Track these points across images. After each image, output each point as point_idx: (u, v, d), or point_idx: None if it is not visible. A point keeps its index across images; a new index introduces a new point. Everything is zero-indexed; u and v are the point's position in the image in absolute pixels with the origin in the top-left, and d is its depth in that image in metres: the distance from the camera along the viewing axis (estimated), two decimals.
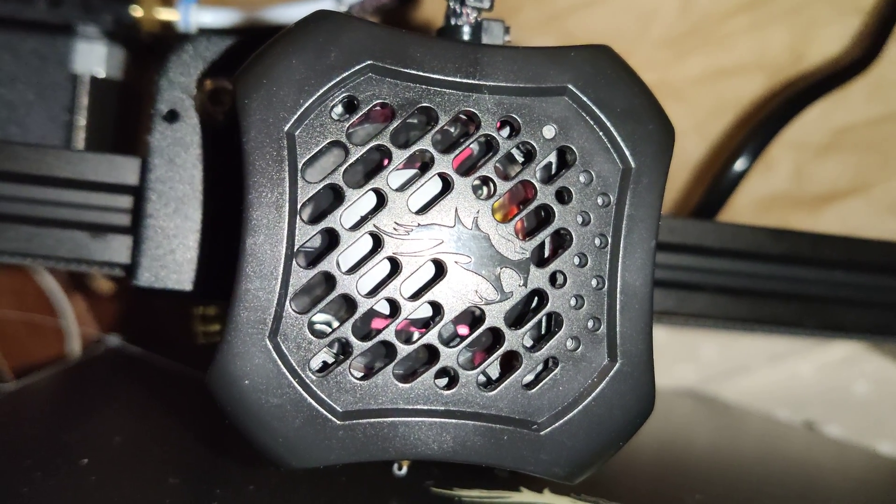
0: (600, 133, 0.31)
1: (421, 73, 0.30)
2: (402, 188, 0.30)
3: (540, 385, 0.31)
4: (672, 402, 0.64)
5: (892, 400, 0.64)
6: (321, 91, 0.30)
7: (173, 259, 0.38)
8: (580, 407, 0.31)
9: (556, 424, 0.31)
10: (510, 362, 0.32)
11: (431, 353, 0.31)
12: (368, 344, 0.30)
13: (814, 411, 0.65)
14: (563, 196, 0.31)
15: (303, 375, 0.30)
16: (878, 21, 0.57)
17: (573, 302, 0.31)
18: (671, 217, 0.44)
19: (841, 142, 0.60)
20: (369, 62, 0.30)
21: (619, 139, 0.31)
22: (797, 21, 0.58)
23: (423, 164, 0.31)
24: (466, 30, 0.34)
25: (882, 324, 0.46)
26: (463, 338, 0.31)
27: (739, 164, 0.54)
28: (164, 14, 0.46)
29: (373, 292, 0.30)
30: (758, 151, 0.54)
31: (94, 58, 0.46)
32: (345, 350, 0.31)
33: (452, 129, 0.32)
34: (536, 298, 0.32)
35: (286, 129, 0.29)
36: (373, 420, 0.30)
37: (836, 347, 0.64)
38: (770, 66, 0.59)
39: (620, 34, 0.59)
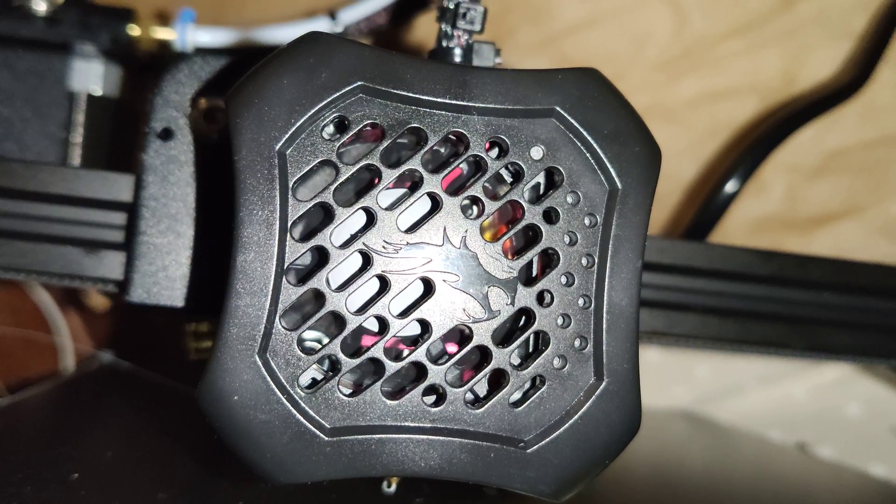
0: (587, 154, 0.32)
1: (411, 94, 0.31)
2: (391, 207, 0.31)
3: (527, 403, 0.31)
4: (665, 423, 0.64)
5: (883, 422, 0.64)
6: (312, 111, 0.30)
7: (166, 275, 0.39)
8: (567, 425, 0.31)
9: (543, 442, 0.31)
10: (498, 380, 0.32)
11: (419, 371, 0.31)
12: (357, 361, 0.31)
13: (806, 433, 0.65)
14: (550, 216, 0.32)
15: (291, 392, 0.30)
16: (868, 45, 0.57)
17: (560, 321, 0.32)
18: (662, 238, 0.44)
19: (833, 164, 0.61)
20: (360, 83, 0.30)
21: (605, 161, 0.32)
22: (790, 45, 0.59)
23: (413, 184, 0.32)
24: (458, 52, 0.35)
25: (870, 346, 0.46)
26: (451, 355, 0.31)
27: (731, 186, 0.55)
28: (161, 33, 0.47)
29: (362, 310, 0.31)
30: (749, 173, 0.55)
31: (90, 76, 0.46)
32: (333, 367, 0.31)
33: (442, 150, 0.33)
34: (524, 317, 0.32)
35: (277, 148, 0.30)
36: (360, 437, 0.30)
37: (829, 369, 0.65)
38: (763, 88, 0.60)
39: (615, 56, 0.60)
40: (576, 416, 0.31)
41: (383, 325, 0.31)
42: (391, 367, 0.31)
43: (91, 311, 0.63)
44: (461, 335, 0.32)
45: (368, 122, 0.31)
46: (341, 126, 0.31)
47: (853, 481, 0.57)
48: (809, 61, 0.59)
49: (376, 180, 0.31)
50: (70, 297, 0.63)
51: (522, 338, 0.32)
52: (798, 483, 0.55)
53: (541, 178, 0.33)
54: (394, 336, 0.31)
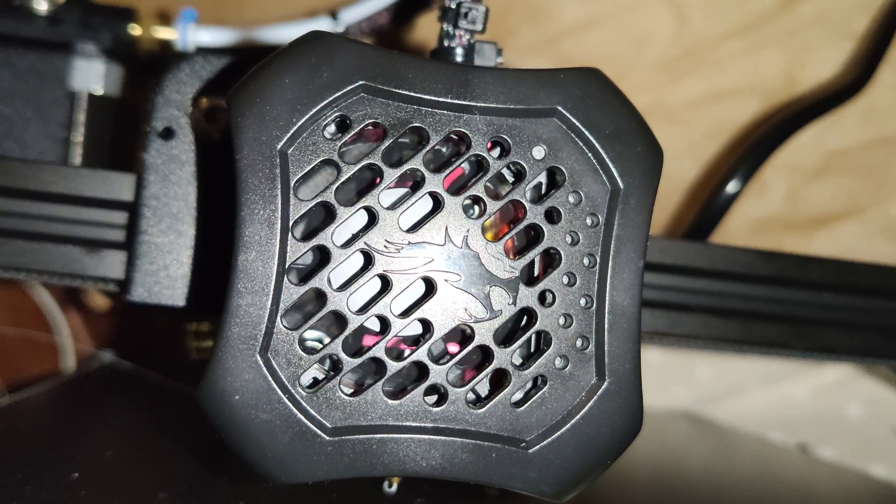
0: (589, 154, 0.32)
1: (412, 94, 0.31)
2: (393, 206, 0.31)
3: (529, 403, 0.31)
4: (666, 424, 0.64)
5: (884, 423, 0.64)
6: (314, 110, 0.30)
7: (167, 275, 0.39)
8: (568, 425, 0.31)
9: (545, 442, 0.31)
10: (499, 380, 0.32)
11: (421, 370, 0.31)
12: (358, 360, 0.31)
13: (807, 433, 0.65)
14: (552, 216, 0.32)
15: (293, 391, 0.30)
16: (870, 46, 0.57)
17: (562, 321, 0.32)
18: (663, 238, 0.44)
19: (834, 165, 0.61)
20: (361, 82, 0.30)
21: (607, 160, 0.32)
22: (791, 45, 0.59)
23: (415, 183, 0.31)
24: (459, 51, 0.35)
25: (871, 346, 0.46)
26: (452, 355, 0.31)
27: (732, 186, 0.54)
28: (163, 33, 0.47)
29: (363, 309, 0.31)
30: (750, 174, 0.55)
31: (92, 75, 0.46)
32: (335, 366, 0.31)
33: (444, 149, 0.33)
34: (525, 317, 0.32)
35: (279, 147, 0.30)
36: (362, 436, 0.30)
37: (830, 370, 0.65)
38: (764, 89, 0.60)
39: (616, 57, 0.60)
40: (577, 417, 0.31)
41: (385, 324, 0.31)
42: (392, 366, 0.31)
43: (92, 310, 0.63)
44: (463, 335, 0.32)
45: (370, 121, 0.31)
46: (343, 125, 0.31)
47: (854, 482, 0.57)
48: (810, 62, 0.59)
49: (378, 180, 0.31)
50: (71, 297, 0.63)
51: (524, 338, 0.32)
52: (799, 484, 0.55)
53: (542, 178, 0.33)
54: (395, 336, 0.31)
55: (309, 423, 0.30)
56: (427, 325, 0.31)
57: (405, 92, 0.31)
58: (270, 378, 0.30)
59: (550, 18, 0.59)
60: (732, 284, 0.45)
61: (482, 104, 0.31)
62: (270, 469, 0.30)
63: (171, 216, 0.39)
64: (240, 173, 0.30)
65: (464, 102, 0.31)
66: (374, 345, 0.31)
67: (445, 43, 0.35)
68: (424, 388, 0.31)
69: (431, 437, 0.31)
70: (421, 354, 0.31)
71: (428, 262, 0.31)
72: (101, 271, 0.39)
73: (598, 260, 0.32)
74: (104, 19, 0.45)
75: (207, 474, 0.38)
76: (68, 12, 0.45)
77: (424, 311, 0.31)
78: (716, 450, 0.61)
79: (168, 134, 0.39)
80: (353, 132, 0.31)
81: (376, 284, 0.31)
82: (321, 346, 0.31)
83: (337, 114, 0.30)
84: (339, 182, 0.30)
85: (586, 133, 0.32)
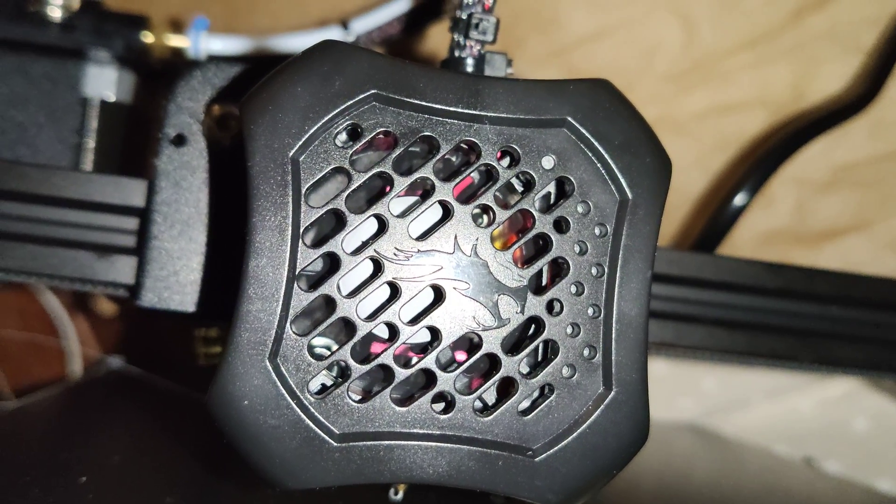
0: (598, 165, 0.32)
1: (423, 103, 0.31)
2: (403, 215, 0.31)
3: (535, 411, 0.32)
4: (671, 436, 0.64)
5: (890, 437, 0.64)
6: (326, 118, 0.30)
7: (177, 280, 0.39)
8: (575, 434, 0.31)
9: (551, 451, 0.31)
10: (506, 388, 0.32)
11: (429, 378, 0.31)
12: (367, 367, 0.31)
13: (813, 447, 0.65)
14: (561, 225, 0.32)
15: (301, 397, 0.30)
16: (878, 60, 0.57)
17: (569, 330, 0.32)
18: (670, 249, 0.44)
19: (842, 179, 0.61)
20: (373, 91, 0.30)
21: (616, 171, 0.32)
22: (799, 59, 0.59)
23: (425, 192, 0.32)
24: (470, 62, 0.35)
25: (878, 360, 0.46)
26: (460, 363, 0.31)
27: (739, 199, 0.55)
28: (175, 41, 0.47)
29: (372, 316, 0.31)
30: (758, 187, 0.55)
31: (104, 82, 0.46)
32: (343, 373, 0.31)
33: (453, 158, 0.33)
34: (533, 326, 0.32)
35: (291, 154, 0.30)
36: (369, 443, 0.31)
37: (836, 383, 0.64)
38: (772, 102, 0.60)
39: (624, 69, 0.60)
40: (584, 426, 0.31)
41: (393, 331, 0.31)
42: (400, 373, 0.31)
43: (99, 316, 0.63)
44: (470, 343, 0.32)
45: (381, 129, 0.31)
46: (354, 133, 0.31)
47: (860, 496, 0.57)
48: (819, 76, 0.59)
49: (388, 188, 0.31)
50: (78, 302, 0.64)
51: (532, 346, 0.32)
52: (804, 498, 0.54)
53: (552, 188, 0.33)
54: (403, 343, 0.31)
55: (317, 429, 0.30)
56: (435, 333, 0.31)
57: (416, 101, 0.31)
58: (279, 384, 0.30)
59: (559, 30, 0.59)
60: (739, 296, 0.45)
61: (492, 114, 0.31)
62: (278, 474, 0.30)
63: (182, 222, 0.39)
64: (251, 180, 0.30)
65: (474, 112, 0.31)
66: (382, 352, 0.31)
67: (456, 53, 0.35)
68: (432, 395, 0.31)
69: (438, 444, 0.31)
70: (429, 362, 0.31)
71: (437, 270, 0.31)
72: (112, 276, 0.40)
73: (605, 270, 0.32)
74: (117, 27, 0.45)
75: (214, 479, 0.38)
76: (81, 19, 0.45)
77: (433, 319, 0.31)
78: (721, 462, 0.61)
79: (180, 141, 0.39)
80: (364, 140, 0.31)
81: (385, 292, 0.31)
82: (330, 352, 0.31)
83: (348, 122, 0.31)
84: (350, 190, 0.31)
85: (595, 144, 0.32)
